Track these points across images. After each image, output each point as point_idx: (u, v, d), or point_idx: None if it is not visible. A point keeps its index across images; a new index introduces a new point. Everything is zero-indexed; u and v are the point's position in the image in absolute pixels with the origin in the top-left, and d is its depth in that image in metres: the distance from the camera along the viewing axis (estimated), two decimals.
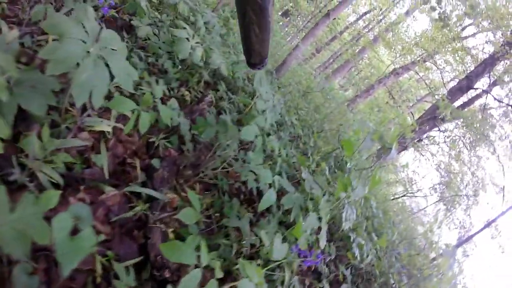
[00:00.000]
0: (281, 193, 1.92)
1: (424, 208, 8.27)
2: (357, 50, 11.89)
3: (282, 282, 1.69)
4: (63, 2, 2.01)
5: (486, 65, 6.79)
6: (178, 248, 1.01)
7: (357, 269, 2.81)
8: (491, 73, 7.06)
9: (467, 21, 9.19)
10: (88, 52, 1.17)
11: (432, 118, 6.57)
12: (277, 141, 2.45)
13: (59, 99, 1.48)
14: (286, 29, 13.78)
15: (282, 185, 1.79)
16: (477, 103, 8.29)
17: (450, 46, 8.13)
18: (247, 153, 1.88)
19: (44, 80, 1.32)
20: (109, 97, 1.72)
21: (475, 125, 7.13)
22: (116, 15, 2.32)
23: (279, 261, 1.49)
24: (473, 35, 10.01)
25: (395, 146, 2.17)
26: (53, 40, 1.56)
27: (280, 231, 1.89)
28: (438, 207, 8.25)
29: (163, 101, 1.90)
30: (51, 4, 1.98)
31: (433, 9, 5.36)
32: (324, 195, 1.98)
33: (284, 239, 1.70)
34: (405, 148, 6.69)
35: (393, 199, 6.14)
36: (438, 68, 8.80)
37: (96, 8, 2.03)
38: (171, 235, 1.40)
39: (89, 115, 1.58)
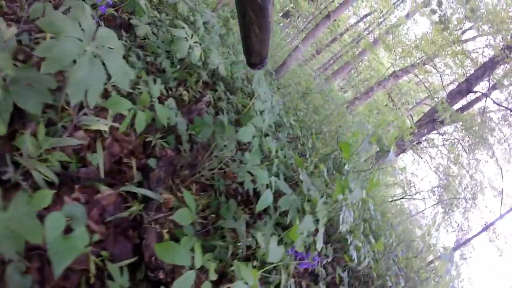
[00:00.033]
0: (278, 194, 1.91)
1: (423, 210, 8.28)
2: (357, 52, 11.89)
3: (279, 284, 1.68)
4: (62, 0, 2.01)
5: (486, 68, 6.80)
6: (172, 249, 1.00)
7: (355, 272, 2.80)
8: (491, 76, 7.07)
9: (467, 24, 9.22)
10: (85, 50, 1.16)
11: (431, 121, 6.58)
12: (275, 142, 2.45)
13: (55, 98, 1.47)
14: (287, 30, 13.77)
15: (278, 186, 1.78)
16: (477, 106, 8.31)
17: (450, 49, 8.13)
18: (244, 153, 1.87)
19: (41, 78, 1.31)
20: (106, 96, 1.72)
21: (474, 128, 7.14)
22: (115, 13, 2.31)
23: (275, 263, 1.48)
24: (473, 38, 10.04)
25: (393, 149, 2.16)
26: (51, 38, 1.55)
27: (277, 233, 1.88)
28: (436, 210, 8.26)
29: (161, 100, 1.89)
30: (50, 1, 1.98)
31: (433, 11, 5.35)
32: (322, 197, 1.97)
33: (281, 241, 1.69)
34: (404, 151, 6.70)
35: (391, 201, 6.13)
36: (437, 71, 8.82)
37: (95, 7, 2.02)
38: (166, 236, 1.39)
39: (85, 114, 1.57)
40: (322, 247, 1.88)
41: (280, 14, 12.63)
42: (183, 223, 1.27)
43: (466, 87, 6.76)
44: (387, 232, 3.87)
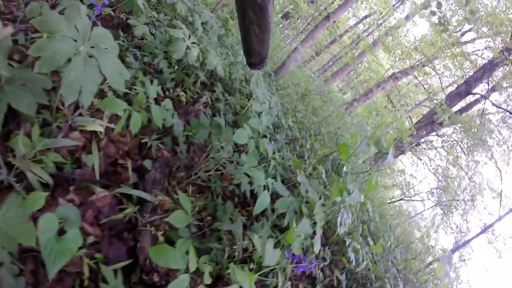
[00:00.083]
0: (276, 196, 1.89)
1: (421, 212, 8.27)
2: (357, 54, 11.89)
3: (275, 287, 1.67)
4: None
5: (485, 70, 6.80)
6: (166, 253, 0.99)
7: (353, 274, 2.79)
8: (490, 78, 7.07)
9: (467, 26, 9.23)
10: (79, 50, 1.15)
11: (430, 123, 6.58)
12: (273, 143, 2.43)
13: (50, 98, 1.45)
14: (286, 32, 13.77)
15: (276, 188, 1.77)
16: (476, 108, 8.32)
17: (449, 51, 8.14)
18: (241, 155, 1.86)
19: (35, 78, 1.30)
20: (103, 96, 1.70)
21: (473, 130, 7.13)
22: (113, 13, 2.30)
23: (272, 266, 1.47)
24: (473, 40, 10.05)
25: (392, 151, 2.15)
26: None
27: (275, 235, 1.87)
28: (435, 211, 8.25)
29: (158, 101, 1.88)
30: (47, 1, 1.96)
31: (433, 13, 5.35)
32: (320, 199, 1.95)
33: (278, 243, 1.68)
34: (402, 152, 6.69)
35: (390, 202, 6.11)
36: (437, 73, 8.82)
37: (92, 6, 2.01)
38: (161, 238, 1.37)
39: (81, 115, 1.56)
40: (320, 250, 1.87)
41: (280, 16, 12.63)
42: (178, 225, 1.25)
43: (465, 89, 6.76)
44: (386, 234, 3.86)
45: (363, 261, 2.63)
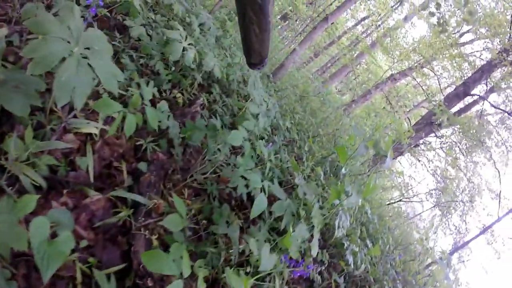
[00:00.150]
0: (274, 198, 1.88)
1: (420, 213, 8.26)
2: (355, 55, 11.88)
3: None
4: (54, 0, 1.97)
5: (484, 71, 6.80)
6: (159, 258, 0.97)
7: (351, 276, 2.77)
8: (488, 79, 7.07)
9: (465, 27, 9.24)
10: (72, 51, 1.13)
11: (428, 124, 6.57)
12: (270, 145, 2.42)
13: (45, 100, 1.44)
14: (285, 33, 13.76)
15: (272, 191, 1.75)
16: (474, 109, 8.31)
17: (447, 52, 8.13)
18: (237, 157, 1.84)
19: (29, 80, 1.28)
20: (98, 98, 1.68)
21: (471, 131, 7.12)
22: (109, 14, 2.28)
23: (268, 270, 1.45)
24: (471, 41, 10.05)
25: (390, 154, 2.13)
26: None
27: (272, 238, 1.85)
28: (434, 213, 8.23)
29: (154, 103, 1.86)
30: (42, 2, 1.94)
31: (432, 14, 5.35)
32: (318, 201, 1.94)
33: (276, 246, 1.66)
34: (401, 154, 6.68)
35: (388, 204, 6.10)
36: (435, 74, 8.82)
37: (89, 7, 1.99)
38: (155, 242, 1.35)
39: (75, 117, 1.54)
40: (318, 253, 1.85)
41: (278, 17, 12.62)
42: (173, 229, 1.24)
43: (463, 90, 6.76)
44: (385, 236, 3.84)
45: (361, 263, 2.62)
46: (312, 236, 1.71)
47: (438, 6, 5.34)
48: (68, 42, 1.15)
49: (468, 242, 8.18)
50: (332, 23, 8.09)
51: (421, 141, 7.38)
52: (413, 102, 13.15)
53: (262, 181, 1.69)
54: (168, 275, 1.24)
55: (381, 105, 10.36)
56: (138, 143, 1.69)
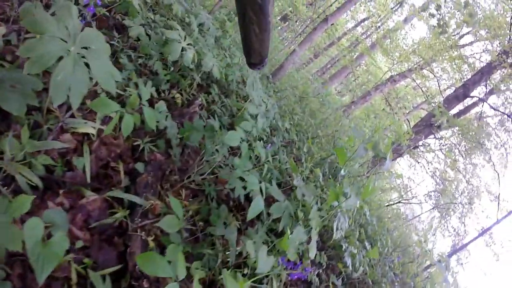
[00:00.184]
0: (272, 199, 1.87)
1: (419, 215, 8.25)
2: (355, 56, 11.89)
3: None
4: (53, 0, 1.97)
5: (483, 73, 6.80)
6: (154, 260, 0.96)
7: (349, 278, 2.76)
8: (488, 81, 7.07)
9: (465, 29, 9.25)
10: (68, 50, 1.12)
11: (428, 126, 6.57)
12: (269, 146, 2.41)
13: (42, 99, 1.43)
14: (285, 34, 13.77)
15: (271, 192, 1.74)
16: (473, 111, 8.33)
17: (447, 54, 8.13)
18: (234, 158, 1.83)
19: (26, 79, 1.27)
20: (96, 98, 1.67)
21: (471, 133, 7.13)
22: (108, 14, 2.27)
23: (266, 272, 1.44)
24: (471, 43, 10.06)
25: (390, 156, 2.12)
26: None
27: (270, 239, 1.84)
28: (433, 214, 8.23)
29: (153, 103, 1.85)
30: (41, 1, 1.94)
31: (432, 15, 5.36)
32: (316, 203, 1.93)
33: (273, 248, 1.65)
34: (400, 155, 6.68)
35: (387, 205, 6.09)
36: (435, 76, 8.82)
37: (87, 7, 1.98)
38: (152, 244, 1.34)
39: (73, 116, 1.53)
40: (316, 254, 1.84)
41: (278, 18, 12.63)
42: (169, 230, 1.23)
43: (463, 92, 6.76)
44: (383, 238, 3.83)
45: (360, 265, 2.61)
46: (310, 238, 1.70)
47: (438, 7, 5.34)
48: (65, 41, 1.14)
49: (467, 244, 8.17)
50: (332, 24, 8.09)
51: (420, 143, 7.39)
52: (412, 103, 13.18)
53: (260, 182, 1.67)
54: (164, 277, 1.23)
55: (380, 107, 10.37)
56: (135, 143, 1.68)
